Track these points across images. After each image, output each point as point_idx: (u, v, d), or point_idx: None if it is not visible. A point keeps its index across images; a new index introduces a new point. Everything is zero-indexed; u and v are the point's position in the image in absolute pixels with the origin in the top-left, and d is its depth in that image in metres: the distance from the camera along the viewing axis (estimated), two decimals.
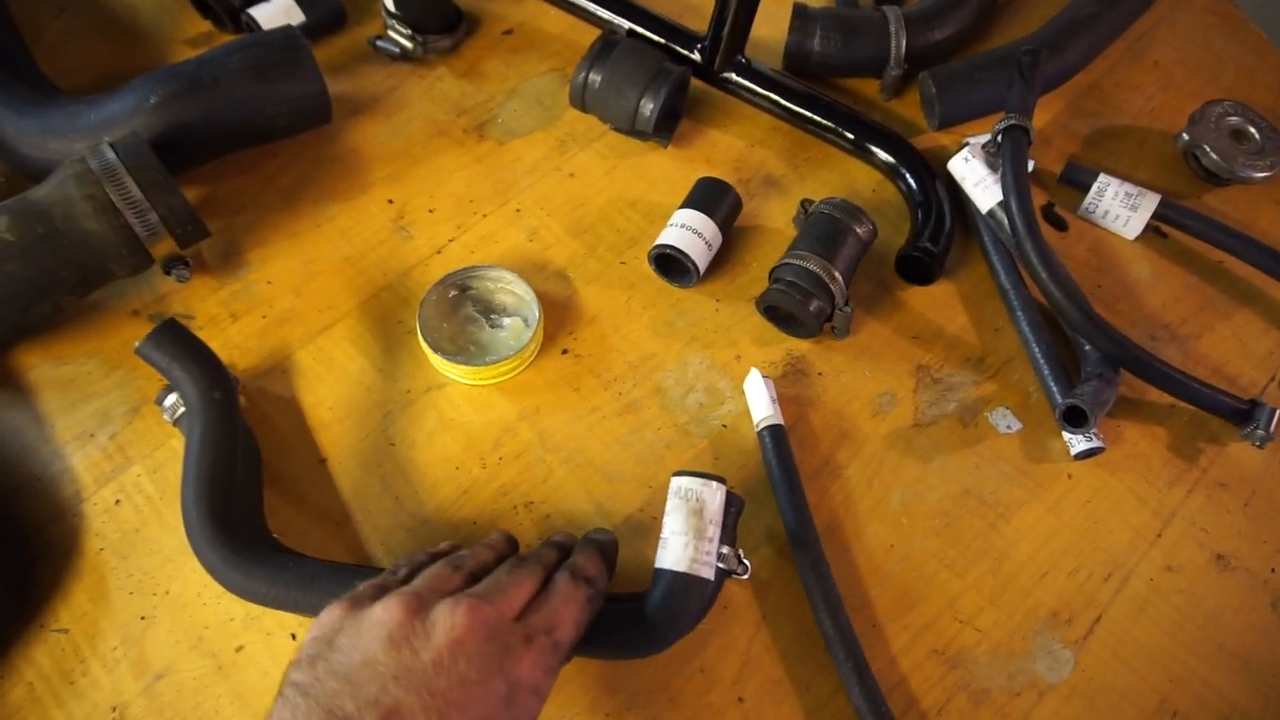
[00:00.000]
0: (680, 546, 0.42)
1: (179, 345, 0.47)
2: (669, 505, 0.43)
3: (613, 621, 0.42)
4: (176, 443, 0.51)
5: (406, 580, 0.40)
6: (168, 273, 0.54)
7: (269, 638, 0.46)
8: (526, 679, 0.36)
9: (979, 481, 0.53)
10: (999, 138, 0.57)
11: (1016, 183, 0.55)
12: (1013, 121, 0.56)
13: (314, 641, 0.36)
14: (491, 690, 0.35)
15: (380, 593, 0.38)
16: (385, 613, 0.36)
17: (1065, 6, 0.68)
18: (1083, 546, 0.51)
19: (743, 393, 0.54)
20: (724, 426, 0.53)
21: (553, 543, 0.45)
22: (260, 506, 0.49)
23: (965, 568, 0.50)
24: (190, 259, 0.55)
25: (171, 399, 0.49)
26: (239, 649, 0.46)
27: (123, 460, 0.51)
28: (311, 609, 0.42)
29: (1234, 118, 0.64)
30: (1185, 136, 0.64)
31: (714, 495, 0.43)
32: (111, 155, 0.50)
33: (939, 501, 0.52)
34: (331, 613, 0.37)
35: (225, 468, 0.45)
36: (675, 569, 0.41)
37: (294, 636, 0.46)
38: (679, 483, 0.43)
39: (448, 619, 0.35)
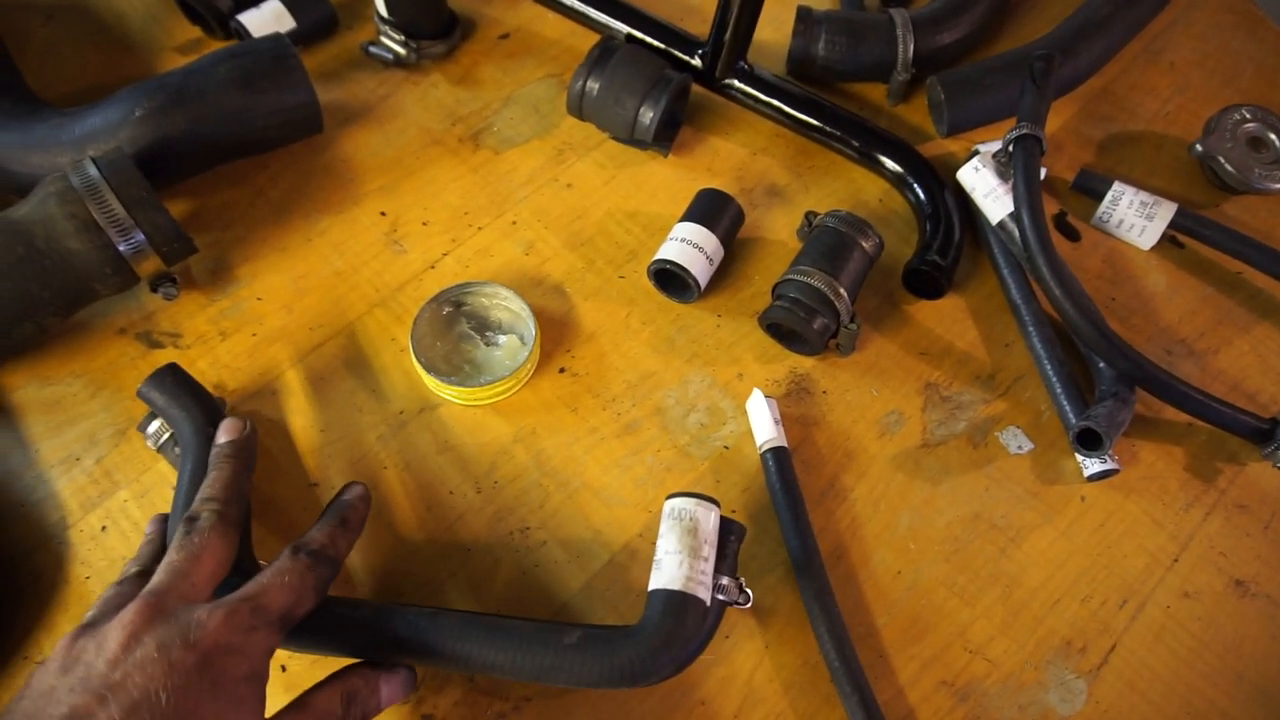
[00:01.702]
0: (674, 565, 0.40)
1: (179, 387, 0.47)
2: (663, 528, 0.42)
3: (606, 648, 0.40)
4: (164, 466, 0.50)
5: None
6: (155, 290, 0.53)
7: None
8: (219, 641, 0.35)
9: (989, 505, 0.51)
10: (1010, 147, 0.55)
11: (1028, 194, 0.53)
12: (1025, 130, 0.54)
13: (11, 704, 0.35)
14: (177, 662, 0.34)
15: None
16: (54, 650, 0.35)
17: (1078, 8, 0.66)
18: (1096, 572, 0.50)
19: (745, 412, 0.53)
20: (726, 448, 0.52)
21: (222, 456, 0.43)
22: (248, 535, 0.47)
23: (975, 595, 0.49)
24: (178, 276, 0.54)
25: (155, 425, 0.48)
26: None
27: (109, 485, 0.49)
28: (296, 645, 0.41)
29: (1252, 124, 0.62)
30: (1199, 147, 0.62)
31: (708, 514, 0.42)
32: (94, 172, 0.48)
33: (948, 525, 0.50)
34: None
35: None
36: (669, 588, 0.40)
37: (284, 668, 0.45)
38: (673, 504, 0.42)
39: (119, 626, 0.35)
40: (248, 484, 0.44)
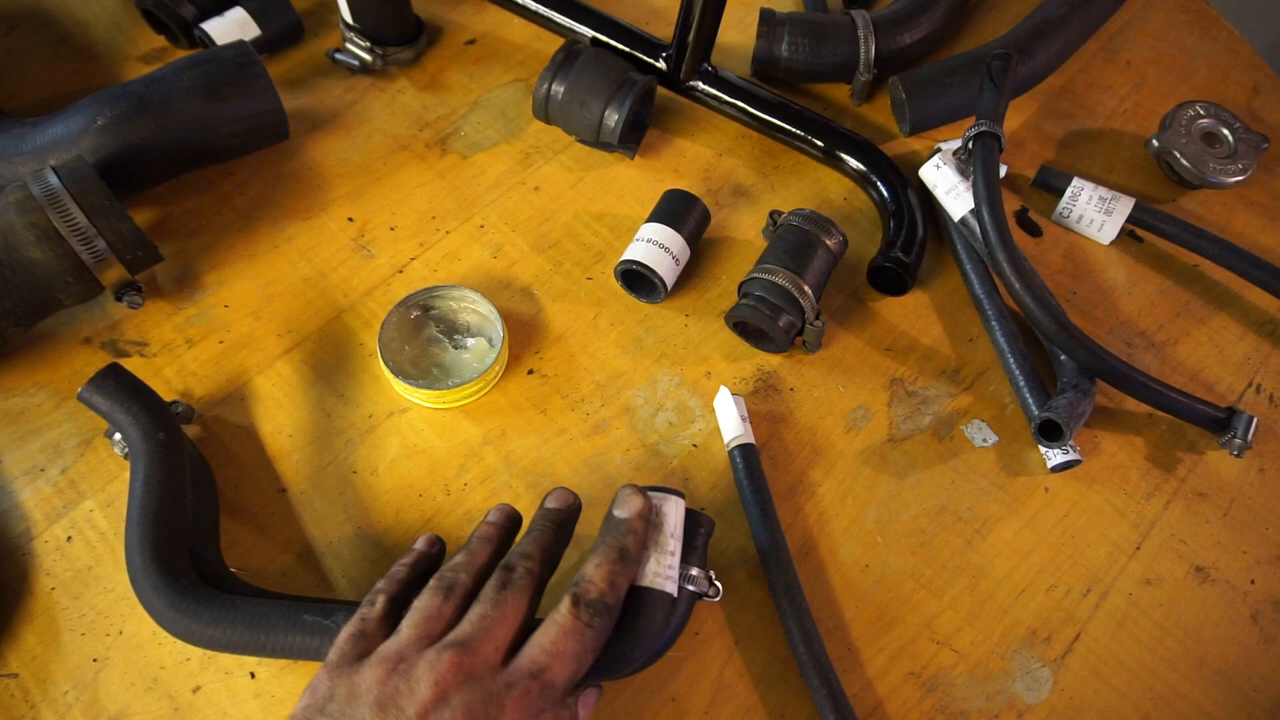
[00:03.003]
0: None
1: (121, 389, 0.46)
2: None
3: None
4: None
5: (385, 617, 0.39)
6: (119, 299, 0.53)
7: (227, 677, 0.45)
8: None
9: (955, 497, 0.52)
10: (969, 145, 0.56)
11: (988, 191, 0.54)
12: (983, 128, 0.55)
13: (306, 709, 0.36)
14: None
15: (361, 643, 0.38)
16: (371, 677, 0.36)
17: (1036, 8, 0.67)
18: (1061, 562, 0.50)
19: (713, 410, 0.53)
20: (695, 446, 0.52)
21: (548, 521, 0.43)
22: (217, 541, 0.47)
23: (942, 587, 0.49)
24: (143, 284, 0.54)
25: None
26: (196, 690, 0.44)
27: (74, 495, 0.49)
28: (262, 650, 0.41)
29: (1206, 119, 0.63)
30: (1155, 143, 0.63)
31: (674, 508, 0.42)
32: (55, 181, 0.48)
33: (914, 519, 0.51)
34: (320, 679, 0.37)
35: (171, 510, 0.43)
36: (636, 584, 0.40)
37: (253, 675, 0.45)
38: None
39: (430, 674, 0.35)
40: (559, 554, 0.42)
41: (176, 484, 0.44)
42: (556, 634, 0.38)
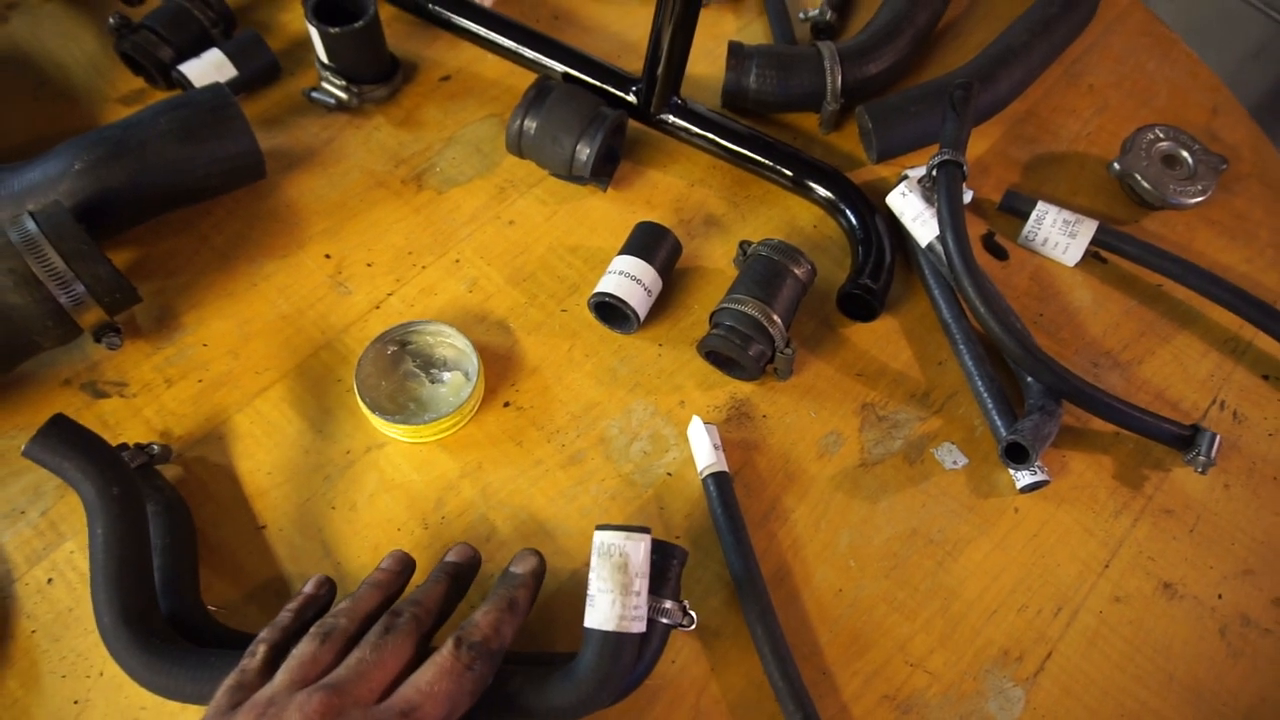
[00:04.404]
0: (607, 605, 0.41)
1: (67, 444, 0.44)
2: (593, 561, 0.42)
3: (546, 685, 0.41)
4: None
5: (264, 667, 0.39)
6: (98, 340, 0.53)
7: None
8: None
9: (926, 520, 0.53)
10: (933, 172, 0.57)
11: (952, 217, 0.55)
12: (946, 156, 0.57)
13: None
14: None
15: (238, 694, 0.38)
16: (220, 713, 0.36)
17: (998, 36, 0.69)
18: (1031, 582, 0.51)
19: (687, 439, 0.54)
20: (669, 475, 0.53)
21: (444, 573, 0.44)
22: (195, 581, 0.48)
23: (915, 609, 0.50)
24: (122, 324, 0.55)
25: None
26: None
27: (55, 537, 0.50)
28: None
29: (1165, 142, 0.65)
30: (1117, 166, 0.64)
31: (637, 548, 0.41)
32: (32, 226, 0.49)
33: (887, 542, 0.52)
34: None
35: (134, 568, 0.43)
36: (603, 628, 0.41)
37: None
38: (601, 538, 0.42)
39: (298, 715, 0.35)
40: (452, 608, 0.43)
41: (137, 537, 0.43)
42: (434, 674, 0.38)
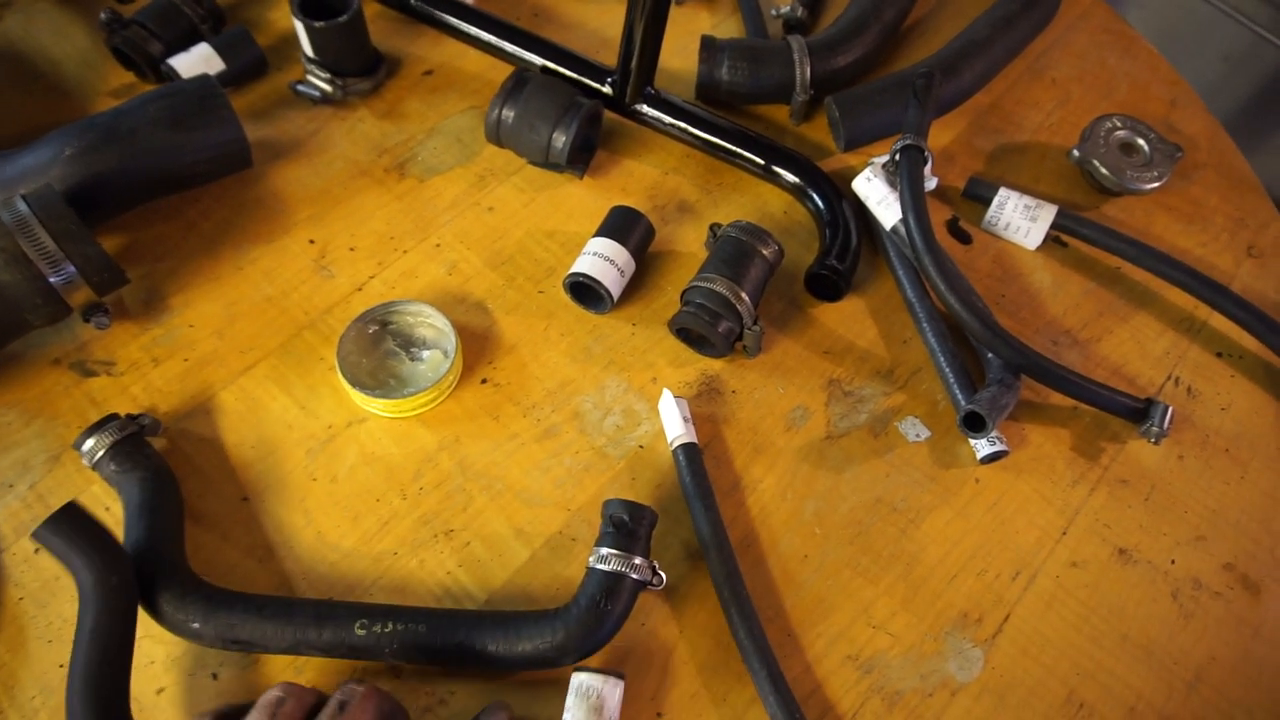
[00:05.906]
0: None
1: (77, 533, 0.44)
2: (569, 702, 0.44)
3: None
4: (99, 488, 0.52)
5: None
6: (87, 320, 0.55)
7: (190, 678, 0.46)
8: None
9: (890, 489, 0.54)
10: (896, 157, 0.59)
11: (914, 200, 0.57)
12: (909, 141, 0.59)
13: None
14: None
15: None
16: None
17: (962, 30, 0.71)
18: (991, 548, 0.53)
19: (658, 413, 0.56)
20: (641, 447, 0.55)
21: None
22: (182, 547, 0.49)
23: (878, 574, 0.52)
24: (110, 305, 0.56)
25: (90, 442, 0.50)
26: (159, 691, 0.46)
27: (43, 509, 0.51)
28: (237, 647, 0.43)
29: (1122, 131, 0.67)
30: (1076, 153, 0.67)
31: (613, 691, 0.44)
32: (23, 207, 0.51)
33: (851, 511, 0.53)
34: None
35: (115, 665, 0.42)
36: None
37: (215, 676, 0.47)
38: (579, 679, 0.44)
39: None
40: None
41: (123, 632, 0.43)
42: None
